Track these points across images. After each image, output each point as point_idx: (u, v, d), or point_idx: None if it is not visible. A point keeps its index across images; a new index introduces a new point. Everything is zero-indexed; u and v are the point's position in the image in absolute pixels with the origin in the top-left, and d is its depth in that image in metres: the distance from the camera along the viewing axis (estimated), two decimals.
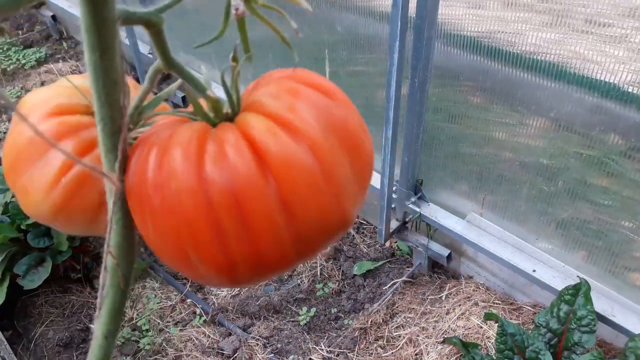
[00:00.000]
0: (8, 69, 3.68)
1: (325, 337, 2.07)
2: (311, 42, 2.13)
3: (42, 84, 3.50)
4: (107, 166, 0.40)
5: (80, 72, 3.61)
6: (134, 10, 0.38)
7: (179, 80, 0.45)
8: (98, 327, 0.43)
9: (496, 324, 1.91)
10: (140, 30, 2.99)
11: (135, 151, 0.39)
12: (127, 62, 3.30)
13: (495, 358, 1.73)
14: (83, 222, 0.50)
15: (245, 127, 0.37)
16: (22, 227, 1.92)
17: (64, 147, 0.48)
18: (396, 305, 2.13)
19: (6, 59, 3.77)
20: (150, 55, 3.07)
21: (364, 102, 2.08)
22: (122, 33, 3.11)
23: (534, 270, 1.83)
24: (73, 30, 4.01)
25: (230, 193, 0.34)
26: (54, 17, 3.99)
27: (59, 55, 3.82)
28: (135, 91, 0.50)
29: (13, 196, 1.90)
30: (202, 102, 0.41)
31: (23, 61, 3.72)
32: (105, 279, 0.42)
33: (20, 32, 4.17)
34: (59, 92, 0.52)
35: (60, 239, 1.97)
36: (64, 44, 3.95)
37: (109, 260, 0.42)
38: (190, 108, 0.41)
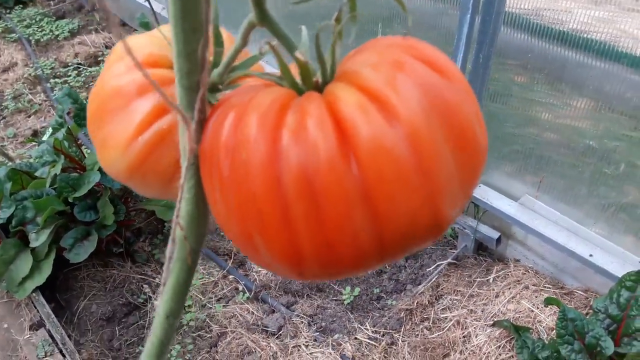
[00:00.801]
0: (41, 40, 3.65)
1: (370, 317, 2.05)
2: (363, 16, 2.06)
3: (76, 55, 3.48)
4: (183, 126, 0.36)
5: (114, 44, 3.57)
6: None
7: (275, 42, 0.39)
8: (161, 305, 0.40)
9: (547, 308, 1.87)
10: None
11: (214, 113, 0.35)
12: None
13: (546, 342, 1.70)
14: (157, 185, 0.47)
15: (332, 99, 0.31)
16: (70, 199, 1.91)
17: (144, 103, 0.45)
18: (441, 287, 2.09)
19: (39, 30, 3.75)
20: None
21: None
22: (160, 5, 3.06)
23: (591, 255, 1.78)
24: (105, 1, 3.97)
25: (304, 173, 0.30)
26: None
27: (92, 27, 3.78)
28: (230, 46, 0.47)
29: (61, 169, 1.89)
30: (292, 67, 0.36)
31: (56, 32, 3.69)
32: (173, 252, 0.38)
33: (51, 2, 4.14)
34: (152, 41, 0.49)
35: (105, 212, 1.96)
36: (96, 16, 3.91)
37: (177, 232, 0.38)
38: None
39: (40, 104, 3.17)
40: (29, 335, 1.96)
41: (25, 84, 3.31)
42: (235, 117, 0.33)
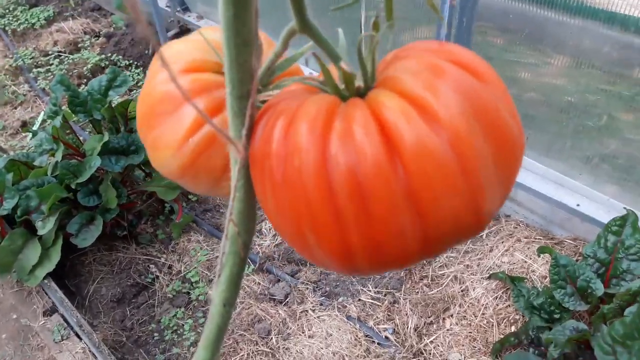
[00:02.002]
0: (18, 30, 3.61)
1: (371, 279, 2.14)
2: None
3: (55, 43, 3.45)
4: (234, 130, 0.38)
5: (92, 30, 3.54)
6: None
7: (311, 42, 0.41)
8: (217, 295, 0.42)
9: (539, 258, 1.98)
10: None
11: (262, 118, 0.37)
12: None
13: (541, 289, 1.81)
14: (208, 183, 0.50)
15: (376, 105, 0.33)
16: (72, 186, 1.94)
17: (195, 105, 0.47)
18: None
19: (14, 20, 3.69)
20: (167, 9, 3.01)
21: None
22: None
23: (578, 205, 1.88)
24: None
25: (353, 176, 0.31)
26: None
27: (68, 13, 3.74)
28: (268, 49, 0.48)
29: (62, 157, 1.92)
30: (333, 70, 0.38)
31: (32, 21, 3.65)
32: (225, 247, 0.41)
33: None
34: (194, 46, 0.51)
35: (109, 196, 2.00)
36: (71, 1, 3.86)
37: (230, 228, 0.40)
38: (321, 76, 0.38)
39: (25, 95, 3.15)
40: (43, 322, 2.01)
41: (7, 76, 3.28)
42: (284, 124, 0.34)
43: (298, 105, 0.35)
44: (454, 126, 0.31)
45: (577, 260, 1.93)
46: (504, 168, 0.34)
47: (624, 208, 1.77)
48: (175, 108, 0.47)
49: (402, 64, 0.35)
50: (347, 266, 0.35)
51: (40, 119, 2.61)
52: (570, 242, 2.04)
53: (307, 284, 2.12)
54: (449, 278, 2.06)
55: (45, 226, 1.91)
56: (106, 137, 1.92)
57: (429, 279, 2.09)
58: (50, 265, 1.98)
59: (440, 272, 2.10)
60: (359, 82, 0.36)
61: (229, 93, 0.37)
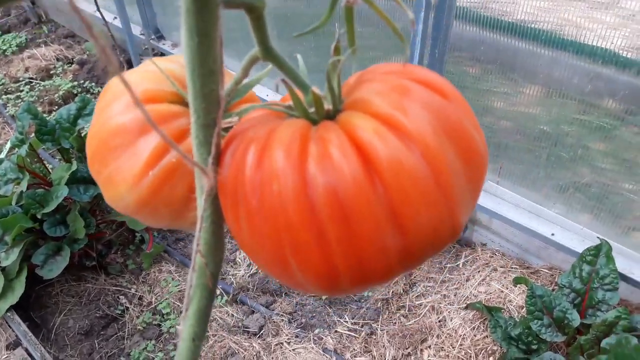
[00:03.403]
0: None
1: (348, 310, 2.10)
2: (319, 16, 2.10)
3: (27, 70, 3.39)
4: (199, 160, 0.38)
5: (65, 57, 3.50)
6: None
7: (269, 67, 0.41)
8: (185, 330, 0.41)
9: (516, 288, 1.97)
10: (130, 10, 2.90)
11: (230, 146, 0.36)
12: (118, 45, 3.21)
13: (518, 320, 1.79)
14: (168, 216, 0.48)
15: (350, 127, 0.34)
16: (38, 216, 1.88)
17: (151, 139, 0.45)
18: (414, 275, 2.17)
19: None
20: (142, 36, 2.99)
21: None
22: (111, 14, 3.03)
23: (553, 234, 1.88)
24: (53, 13, 3.87)
25: (334, 197, 0.32)
26: (32, 0, 3.84)
27: (40, 40, 3.69)
28: (225, 78, 0.48)
29: (28, 186, 1.86)
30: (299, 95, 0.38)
31: (3, 47, 3.59)
32: (193, 279, 0.40)
33: None
34: (145, 77, 0.49)
35: (76, 226, 1.94)
36: (44, 28, 3.82)
37: (197, 259, 0.39)
38: (286, 101, 0.39)
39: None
40: (6, 356, 1.92)
41: None
42: (257, 151, 0.34)
43: (269, 131, 0.36)
44: (425, 141, 0.33)
45: (553, 290, 1.92)
46: (473, 179, 0.36)
47: (598, 237, 1.77)
48: (130, 141, 0.45)
49: (368, 86, 0.36)
50: (329, 287, 0.35)
51: (7, 146, 2.54)
52: (547, 271, 2.03)
53: (282, 315, 2.07)
54: (427, 308, 2.04)
55: (9, 257, 1.83)
56: (74, 166, 1.87)
57: (407, 309, 2.06)
58: (13, 298, 1.90)
59: (417, 302, 2.07)
60: (327, 106, 0.37)
61: (194, 122, 0.36)
